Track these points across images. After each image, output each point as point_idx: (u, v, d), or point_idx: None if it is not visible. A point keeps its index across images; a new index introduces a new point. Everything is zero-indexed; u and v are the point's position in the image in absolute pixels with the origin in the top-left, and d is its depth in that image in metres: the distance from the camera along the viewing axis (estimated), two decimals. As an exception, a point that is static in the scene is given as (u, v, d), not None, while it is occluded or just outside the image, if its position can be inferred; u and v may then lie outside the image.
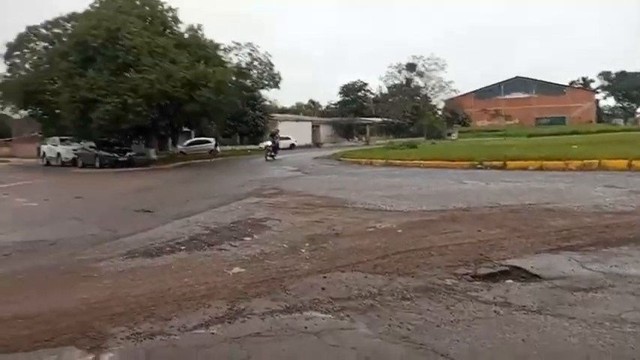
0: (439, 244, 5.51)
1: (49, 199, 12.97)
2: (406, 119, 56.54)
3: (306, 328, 3.49)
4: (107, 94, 24.54)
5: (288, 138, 45.78)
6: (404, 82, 60.04)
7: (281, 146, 41.44)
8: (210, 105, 27.61)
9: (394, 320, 3.52)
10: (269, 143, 28.92)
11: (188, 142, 40.01)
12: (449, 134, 54.01)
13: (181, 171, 22.60)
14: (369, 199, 9.33)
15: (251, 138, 45.87)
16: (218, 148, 38.79)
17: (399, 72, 59.58)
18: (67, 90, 25.78)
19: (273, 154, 27.78)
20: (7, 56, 34.29)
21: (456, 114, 64.04)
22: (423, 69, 57.94)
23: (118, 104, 24.33)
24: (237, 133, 45.95)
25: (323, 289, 4.26)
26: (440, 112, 62.92)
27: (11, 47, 34.15)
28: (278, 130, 36.73)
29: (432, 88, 58.60)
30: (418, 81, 59.75)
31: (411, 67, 58.72)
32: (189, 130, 40.15)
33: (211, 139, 39.86)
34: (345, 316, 3.65)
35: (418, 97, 59.19)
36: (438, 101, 61.92)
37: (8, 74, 34.09)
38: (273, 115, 50.10)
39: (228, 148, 42.43)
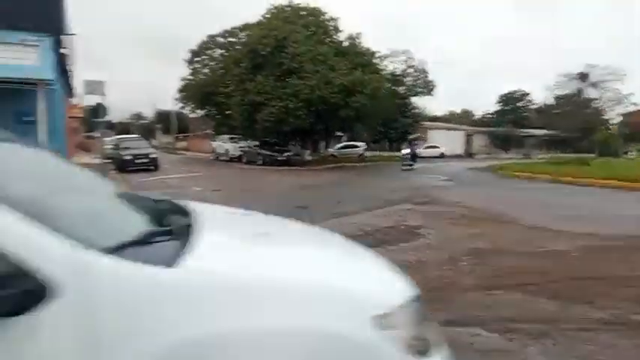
0: (625, 274, 4.85)
1: (219, 190, 14.35)
2: (576, 133, 51.21)
3: (472, 344, 3.32)
4: (272, 98, 26.49)
5: (437, 147, 44.68)
6: (575, 93, 54.45)
7: (429, 155, 40.64)
8: (364, 111, 28.12)
9: (573, 352, 3.18)
10: (406, 151, 25.79)
11: (339, 145, 41.30)
12: (626, 152, 47.67)
13: (333, 173, 23.36)
14: (536, 217, 8.59)
15: (400, 144, 45.72)
16: (367, 153, 39.40)
17: (569, 81, 54.18)
18: (238, 93, 28.43)
19: (411, 163, 24.60)
20: (190, 62, 39.11)
21: (637, 130, 56.19)
22: (597, 79, 51.96)
23: (281, 108, 26.13)
24: (387, 139, 46.15)
25: (488, 306, 4.02)
26: (615, 127, 55.81)
27: (194, 54, 38.90)
28: (418, 136, 35.22)
29: (609, 101, 52.19)
30: (590, 92, 53.73)
31: (583, 76, 53.03)
32: (340, 134, 41.47)
33: (361, 144, 40.65)
34: (515, 338, 3.40)
35: (589, 110, 53.24)
36: (614, 115, 54.95)
37: (190, 77, 38.87)
38: (423, 122, 49.32)
39: (377, 153, 42.84)
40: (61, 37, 14.34)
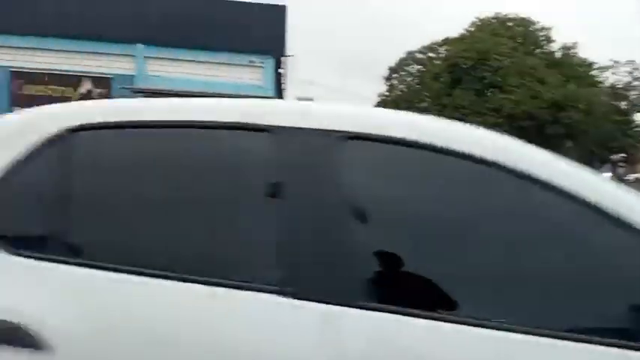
0: None
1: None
2: None
3: None
4: (470, 113, 25.44)
5: (669, 173, 37.58)
6: None
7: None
8: (576, 128, 25.24)
9: None
10: (607, 175, 21.58)
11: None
12: None
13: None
14: None
15: (614, 167, 39.65)
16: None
17: None
18: (434, 109, 28.02)
19: None
20: (388, 78, 40.01)
21: None
22: None
23: (480, 123, 24.94)
24: (600, 161, 40.55)
25: None
26: None
27: (392, 70, 39.71)
28: (626, 157, 28.96)
29: None
30: None
31: None
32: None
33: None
34: None
35: None
36: None
37: (386, 94, 39.77)
38: (649, 143, 42.09)
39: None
40: (281, 58, 15.90)
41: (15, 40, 13.43)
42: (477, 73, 26.07)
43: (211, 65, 13.86)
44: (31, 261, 1.21)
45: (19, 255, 1.21)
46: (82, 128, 1.30)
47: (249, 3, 14.61)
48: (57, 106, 1.54)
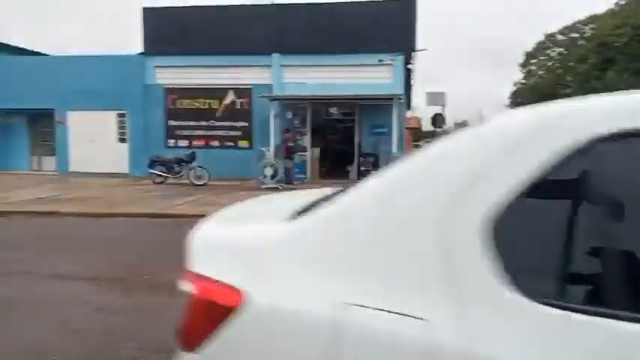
0: None
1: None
2: None
3: None
4: (627, 96, 22.66)
5: None
6: None
7: None
8: None
9: None
10: None
11: None
12: None
13: None
14: None
15: None
16: None
17: None
18: (581, 94, 25.27)
19: None
20: (524, 64, 37.24)
21: None
22: None
23: None
24: None
25: None
26: None
27: (529, 55, 36.87)
28: None
29: None
30: None
31: None
32: None
33: None
34: None
35: None
36: None
37: (523, 81, 37.07)
38: None
39: None
40: (410, 54, 15.56)
41: (168, 60, 14.99)
42: (634, 51, 23.00)
43: (343, 67, 14.08)
44: (565, 313, 0.87)
45: (548, 304, 0.88)
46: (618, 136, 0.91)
47: (378, 1, 14.54)
48: (584, 105, 1.02)
